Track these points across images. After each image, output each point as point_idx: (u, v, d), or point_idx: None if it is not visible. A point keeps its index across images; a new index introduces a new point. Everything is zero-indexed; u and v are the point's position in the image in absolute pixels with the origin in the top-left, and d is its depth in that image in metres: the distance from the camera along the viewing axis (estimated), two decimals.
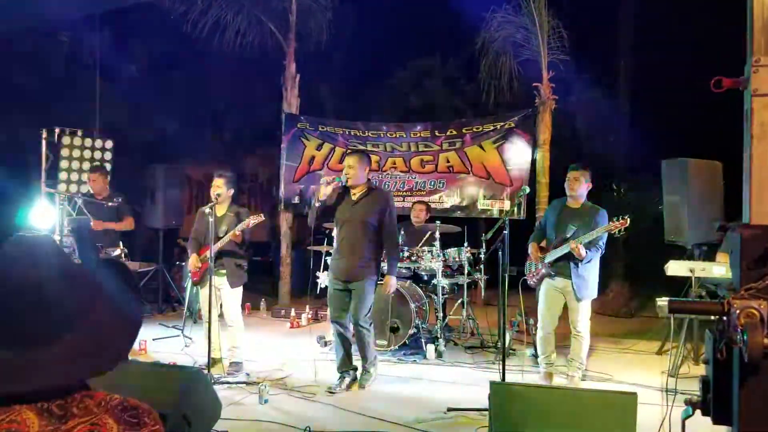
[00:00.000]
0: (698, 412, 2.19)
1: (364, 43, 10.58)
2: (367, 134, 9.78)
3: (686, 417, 2.21)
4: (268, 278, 10.86)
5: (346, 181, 5.51)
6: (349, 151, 9.12)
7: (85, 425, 1.17)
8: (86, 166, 8.28)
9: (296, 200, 9.67)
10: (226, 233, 5.94)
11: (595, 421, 3.67)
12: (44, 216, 7.82)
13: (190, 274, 6.42)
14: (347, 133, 9.83)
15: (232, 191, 6.18)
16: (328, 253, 7.59)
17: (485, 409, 4.26)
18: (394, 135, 9.69)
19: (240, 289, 6.18)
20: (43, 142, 8.41)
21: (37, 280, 1.18)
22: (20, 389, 1.14)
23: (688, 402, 2.19)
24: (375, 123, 9.92)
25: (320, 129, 9.88)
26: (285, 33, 9.83)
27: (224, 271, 6.04)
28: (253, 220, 5.92)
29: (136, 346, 6.63)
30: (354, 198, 5.57)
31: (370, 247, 5.52)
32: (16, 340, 1.16)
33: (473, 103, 11.09)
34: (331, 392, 5.49)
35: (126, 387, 4.16)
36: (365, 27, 10.23)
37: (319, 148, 9.84)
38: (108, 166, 8.66)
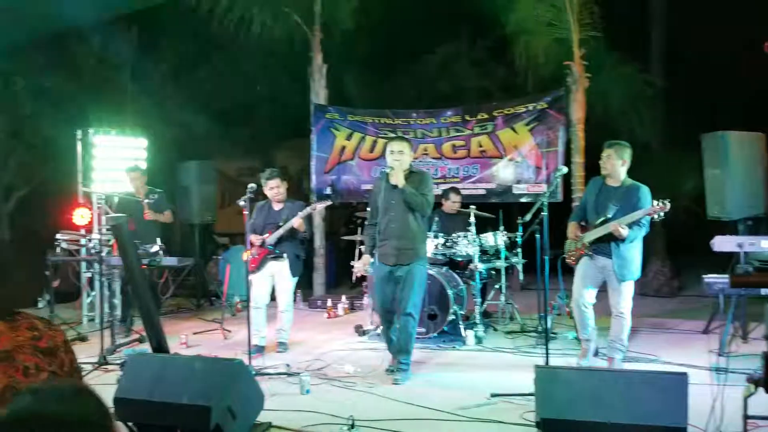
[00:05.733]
0: (761, 390, 2.09)
1: (390, 29, 10.46)
2: (396, 122, 9.69)
3: (749, 395, 2.12)
4: (303, 269, 10.88)
5: (392, 168, 5.46)
6: (388, 136, 9.10)
7: None
8: (121, 165, 8.36)
9: (328, 191, 9.66)
10: (285, 222, 6.28)
11: (645, 403, 3.58)
12: (82, 215, 7.97)
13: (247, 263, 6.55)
14: (377, 121, 9.76)
15: (285, 185, 6.59)
16: (362, 242, 7.60)
17: (530, 394, 4.18)
18: (424, 121, 9.59)
19: (296, 279, 6.54)
20: (78, 143, 8.51)
21: None
22: None
23: (750, 380, 2.10)
24: (404, 110, 9.82)
25: (349, 119, 9.83)
26: (310, 24, 9.78)
27: (282, 260, 6.37)
28: (318, 205, 6.30)
29: (178, 340, 6.72)
30: (403, 183, 5.46)
31: (417, 230, 5.52)
32: None
33: (504, 85, 10.91)
34: (390, 373, 5.52)
35: (170, 380, 4.20)
36: (390, 13, 10.11)
37: (349, 138, 9.80)
38: (144, 164, 8.76)
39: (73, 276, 8.76)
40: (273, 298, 6.63)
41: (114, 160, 8.55)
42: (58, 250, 7.65)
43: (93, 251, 7.16)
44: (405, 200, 5.43)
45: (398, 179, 5.41)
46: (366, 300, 7.91)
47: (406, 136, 7.44)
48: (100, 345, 6.15)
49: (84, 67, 10.90)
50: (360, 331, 7.26)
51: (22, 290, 2.08)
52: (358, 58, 11.25)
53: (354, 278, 7.98)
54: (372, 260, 5.74)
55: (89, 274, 8.19)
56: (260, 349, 6.22)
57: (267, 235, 6.37)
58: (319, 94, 9.87)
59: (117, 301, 7.48)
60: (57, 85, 10.83)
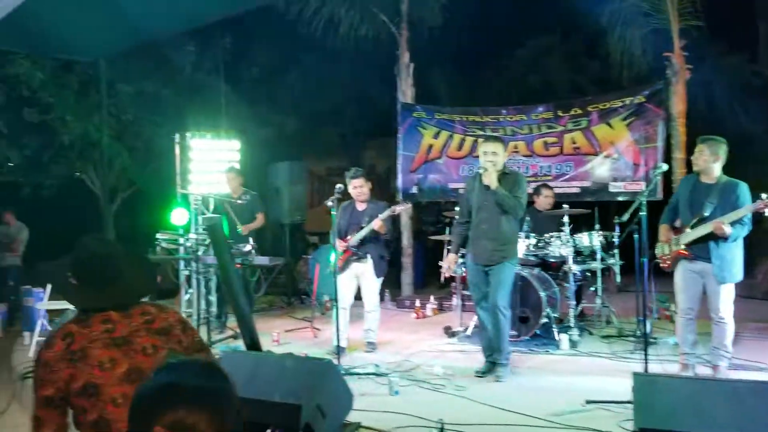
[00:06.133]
0: None
1: (478, 25, 10.33)
2: (485, 119, 9.53)
3: None
4: (391, 269, 10.89)
5: (485, 169, 5.40)
6: (476, 134, 8.95)
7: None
8: (216, 167, 8.63)
9: (414, 190, 9.62)
10: (368, 223, 6.29)
11: (755, 416, 3.31)
12: (180, 216, 8.27)
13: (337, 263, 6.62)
14: (465, 119, 9.63)
15: (369, 185, 6.55)
16: (450, 242, 7.51)
17: (628, 402, 3.98)
18: (514, 118, 9.37)
19: (381, 279, 6.52)
20: (176, 146, 8.83)
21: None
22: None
23: None
24: (493, 107, 9.64)
25: (437, 117, 9.75)
26: (397, 22, 9.78)
27: (367, 260, 6.39)
28: (399, 208, 6.24)
29: (270, 337, 6.86)
30: (496, 184, 5.40)
31: (509, 231, 5.46)
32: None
33: (598, 79, 10.54)
34: (479, 375, 5.49)
35: (263, 378, 4.26)
36: (478, 9, 9.96)
37: (436, 136, 9.71)
38: (237, 166, 9.01)
39: (173, 274, 9.13)
40: (359, 297, 6.64)
41: (209, 162, 8.83)
42: (158, 249, 7.96)
43: (190, 250, 7.42)
44: (497, 202, 5.37)
45: (491, 181, 5.35)
46: (455, 301, 7.80)
47: (500, 137, 7.28)
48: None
49: (181, 73, 11.35)
50: (449, 332, 7.17)
51: (140, 282, 2.33)
52: (446, 55, 11.17)
53: (442, 279, 7.89)
54: (459, 259, 5.71)
55: (187, 272, 8.49)
56: (341, 350, 6.20)
57: (350, 237, 6.38)
58: (405, 92, 9.84)
59: (213, 299, 7.71)
60: (156, 91, 11.35)
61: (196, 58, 11.51)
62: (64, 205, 12.26)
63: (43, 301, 7.11)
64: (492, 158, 5.38)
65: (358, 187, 6.45)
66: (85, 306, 2.22)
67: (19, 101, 10.79)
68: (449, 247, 7.46)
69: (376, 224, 6.24)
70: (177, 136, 8.90)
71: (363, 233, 6.32)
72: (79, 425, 2.11)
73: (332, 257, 6.55)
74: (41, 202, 12.00)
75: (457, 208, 7.34)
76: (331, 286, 7.77)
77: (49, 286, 6.87)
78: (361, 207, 6.51)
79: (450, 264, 5.97)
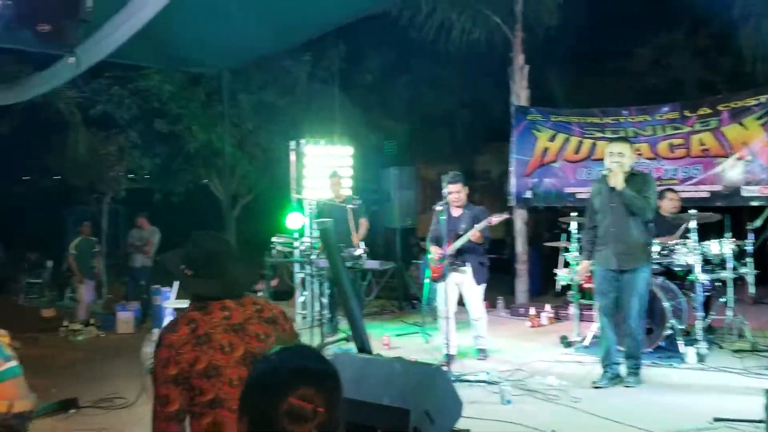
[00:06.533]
0: None
1: (597, 23, 9.91)
2: (605, 121, 9.11)
3: None
4: (504, 276, 10.67)
5: (609, 170, 5.27)
6: (595, 136, 8.61)
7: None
8: (329, 172, 8.79)
9: (528, 195, 9.35)
10: (465, 231, 6.04)
11: None
12: (295, 220, 8.50)
13: (429, 271, 6.55)
14: (582, 121, 9.26)
15: (467, 190, 6.34)
16: (567, 249, 7.22)
17: (760, 421, 3.63)
18: (636, 119, 8.90)
19: (483, 286, 6.33)
20: (292, 153, 9.09)
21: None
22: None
23: None
24: (613, 108, 9.20)
25: (552, 119, 9.44)
26: (511, 24, 9.57)
27: (465, 268, 6.19)
28: (495, 218, 6.01)
29: (380, 341, 6.88)
30: (622, 185, 5.24)
31: (638, 234, 5.26)
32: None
33: (730, 76, 9.82)
34: (595, 386, 5.31)
35: (372, 380, 4.24)
36: (597, 6, 9.56)
37: (552, 139, 9.41)
38: (349, 171, 9.15)
39: (288, 276, 9.39)
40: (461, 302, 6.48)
41: (323, 168, 9.01)
42: (274, 252, 8.21)
43: (304, 254, 7.60)
44: (625, 203, 5.19)
45: (616, 181, 5.20)
46: (572, 310, 7.50)
47: (626, 137, 6.96)
48: (310, 341, 6.47)
49: (297, 82, 11.71)
50: (565, 342, 6.89)
51: (245, 277, 2.50)
52: (562, 55, 10.82)
53: (559, 287, 7.60)
54: (591, 265, 5.55)
55: (301, 275, 8.70)
56: (450, 358, 6.06)
57: (447, 245, 6.20)
58: (519, 95, 9.61)
59: (326, 301, 7.84)
60: (274, 101, 11.78)
61: (311, 68, 11.83)
62: (191, 210, 12.98)
63: (169, 300, 7.51)
64: (618, 159, 5.23)
65: (455, 193, 6.25)
66: (202, 294, 2.37)
67: (151, 113, 11.54)
68: (566, 255, 7.22)
69: (474, 235, 6.08)
70: (292, 143, 9.17)
71: (460, 243, 6.15)
72: (192, 406, 2.23)
73: (429, 265, 6.48)
74: (171, 208, 12.75)
75: (573, 213, 7.10)
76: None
77: (176, 285, 7.23)
78: (456, 213, 6.31)
79: (583, 271, 5.81)
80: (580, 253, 6.29)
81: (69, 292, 11.79)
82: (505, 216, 6.34)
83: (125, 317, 9.09)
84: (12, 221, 15.46)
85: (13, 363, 1.96)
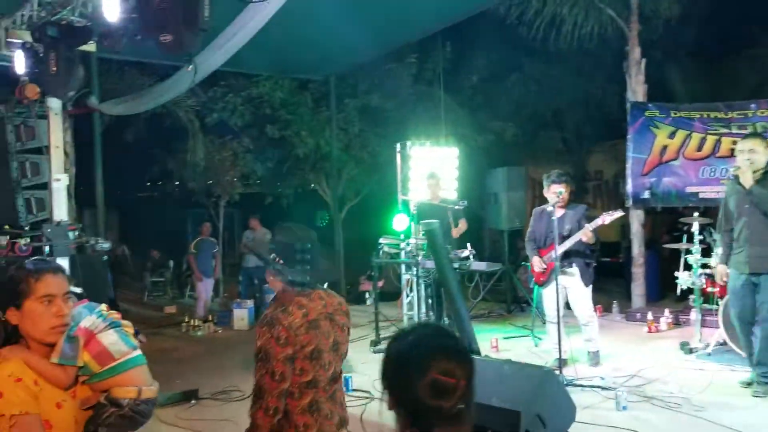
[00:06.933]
0: None
1: (719, 12, 9.29)
2: (730, 115, 8.51)
3: None
4: (619, 280, 10.22)
5: (738, 168, 5.05)
6: (719, 132, 8.12)
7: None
8: (437, 172, 8.75)
9: (646, 195, 8.89)
10: (570, 232, 5.82)
11: None
12: (401, 221, 8.52)
13: (533, 275, 6.37)
14: (705, 116, 8.70)
15: (570, 189, 6.10)
16: (688, 251, 6.80)
17: None
18: (766, 113, 8.27)
19: (590, 288, 6.05)
20: (398, 155, 9.13)
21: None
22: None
23: None
24: (740, 102, 8.58)
25: (672, 115, 8.93)
26: (626, 17, 9.15)
27: (572, 270, 5.91)
28: (609, 217, 5.76)
29: (488, 343, 6.76)
30: (752, 184, 4.98)
31: None
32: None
33: None
34: (744, 386, 5.15)
35: (480, 381, 4.17)
36: None
37: (671, 136, 8.90)
38: (455, 172, 9.07)
39: (394, 277, 9.42)
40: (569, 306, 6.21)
41: (429, 170, 8.97)
42: (381, 253, 8.26)
43: (410, 255, 7.59)
44: (756, 204, 4.95)
45: (745, 180, 4.98)
46: (693, 315, 7.05)
47: (759, 133, 6.52)
48: None
49: (402, 84, 11.76)
50: (686, 348, 6.50)
51: (328, 269, 2.76)
52: (682, 48, 10.22)
53: (679, 291, 7.17)
54: (727, 270, 5.33)
55: (408, 276, 8.70)
56: (561, 362, 5.81)
57: (550, 248, 5.92)
58: (636, 91, 9.16)
59: (432, 302, 7.79)
60: (380, 104, 11.89)
61: (417, 70, 11.85)
62: (301, 214, 13.33)
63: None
64: (749, 156, 4.97)
65: (559, 193, 5.93)
66: (299, 282, 2.48)
67: (263, 119, 11.96)
68: (687, 257, 6.80)
69: (586, 235, 5.79)
70: (398, 146, 9.21)
71: (568, 244, 5.88)
72: (291, 386, 2.35)
73: (532, 269, 6.27)
74: (281, 211, 13.17)
75: (695, 214, 6.71)
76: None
77: None
78: (558, 213, 5.90)
79: (720, 275, 5.52)
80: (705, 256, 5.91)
81: (189, 290, 12.44)
82: (618, 214, 6.03)
83: (240, 314, 9.46)
84: (137, 223, 16.55)
85: (138, 352, 2.07)
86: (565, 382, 5.01)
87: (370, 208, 12.00)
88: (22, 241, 5.87)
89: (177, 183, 15.36)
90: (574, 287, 6.02)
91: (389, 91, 11.69)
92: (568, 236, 5.88)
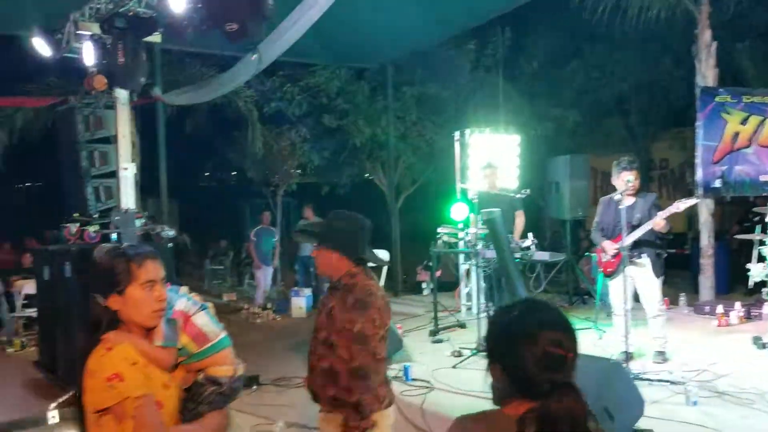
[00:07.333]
0: None
1: None
2: None
3: None
4: (685, 272, 9.89)
5: None
6: None
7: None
8: (494, 162, 8.62)
9: (717, 184, 8.54)
10: (640, 221, 5.61)
11: None
12: (460, 211, 8.42)
13: (599, 266, 6.19)
14: None
15: (639, 180, 5.89)
16: (761, 242, 6.52)
17: None
18: None
19: (661, 280, 5.81)
20: (456, 144, 9.02)
21: None
22: None
23: None
24: None
25: (744, 101, 8.54)
26: None
27: (642, 261, 5.69)
28: (683, 204, 5.52)
29: None
30: None
31: None
32: None
33: None
34: None
35: None
36: None
37: (744, 122, 8.51)
38: (516, 161, 8.91)
39: (453, 267, 9.33)
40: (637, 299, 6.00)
41: (486, 159, 8.84)
42: (439, 242, 8.19)
43: (470, 244, 7.50)
44: None
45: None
46: (766, 309, 6.76)
47: None
48: (477, 333, 6.38)
49: (460, 71, 11.61)
50: (759, 343, 6.24)
51: (373, 256, 2.70)
52: (755, 29, 9.75)
53: (751, 283, 6.88)
54: None
55: (466, 266, 8.62)
56: (627, 356, 5.61)
57: (619, 237, 5.69)
58: (706, 76, 8.80)
59: (491, 293, 7.68)
60: (437, 92, 11.78)
61: (475, 56, 11.67)
62: (357, 203, 13.31)
63: None
64: None
65: (630, 180, 5.70)
66: (366, 262, 2.61)
67: (319, 108, 12.01)
68: (761, 249, 6.52)
69: (658, 224, 5.56)
70: (457, 134, 9.09)
71: (639, 233, 5.65)
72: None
73: (599, 260, 6.09)
74: (337, 200, 13.21)
75: None
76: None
77: None
78: (628, 201, 5.70)
79: None
80: None
81: (248, 278, 12.65)
82: (693, 201, 5.78)
83: (298, 302, 9.56)
84: (197, 213, 16.92)
85: (226, 332, 2.18)
86: (633, 376, 4.85)
87: (427, 197, 11.92)
88: (91, 229, 6.06)
89: (235, 173, 15.59)
90: (643, 278, 5.78)
91: (447, 79, 11.55)
92: (638, 225, 5.65)
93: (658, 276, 5.77)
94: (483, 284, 7.63)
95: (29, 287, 8.53)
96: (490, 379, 1.56)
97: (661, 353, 5.87)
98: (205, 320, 2.10)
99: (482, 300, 7.69)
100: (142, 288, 1.86)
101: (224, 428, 2.06)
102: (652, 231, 5.63)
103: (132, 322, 1.88)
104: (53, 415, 5.40)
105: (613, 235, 5.86)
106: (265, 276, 10.47)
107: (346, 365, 2.47)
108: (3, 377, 7.05)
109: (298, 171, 12.90)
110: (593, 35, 10.59)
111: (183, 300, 2.07)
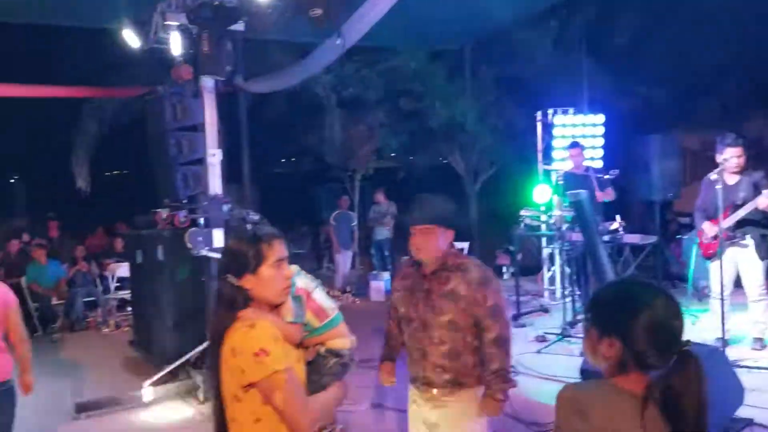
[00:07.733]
0: None
1: None
2: None
3: None
4: None
5: None
6: None
7: None
8: (578, 142, 8.37)
9: None
10: (744, 200, 5.32)
11: None
12: (542, 192, 8.24)
13: (700, 248, 5.91)
14: None
15: (745, 157, 5.59)
16: None
17: None
18: None
19: (766, 262, 5.50)
20: (538, 124, 8.81)
21: None
22: None
23: None
24: None
25: None
26: None
27: (746, 242, 5.42)
28: None
29: None
30: None
31: None
32: None
33: None
34: None
35: None
36: None
37: None
38: (600, 141, 8.62)
39: (535, 251, 9.16)
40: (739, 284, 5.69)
41: (571, 139, 8.60)
42: (521, 225, 8.05)
43: (553, 227, 7.33)
44: None
45: None
46: None
47: None
48: (562, 317, 6.23)
49: (541, 50, 11.28)
50: None
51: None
52: None
53: None
54: None
55: (549, 250, 8.44)
56: (723, 342, 5.33)
57: (722, 217, 5.42)
58: None
59: (576, 277, 7.49)
60: (516, 72, 11.49)
61: (556, 34, 11.31)
62: (433, 187, 13.22)
63: None
64: None
65: (736, 157, 5.47)
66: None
67: (396, 92, 11.94)
68: None
69: (763, 203, 5.27)
70: (539, 114, 8.87)
71: (742, 213, 5.39)
72: None
73: (700, 241, 5.81)
74: (415, 185, 13.18)
75: None
76: (707, 271, 6.94)
77: None
78: (732, 180, 5.50)
79: None
80: None
81: (326, 262, 12.82)
82: None
83: (377, 286, 9.62)
84: (275, 198, 17.23)
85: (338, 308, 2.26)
86: (732, 363, 4.63)
87: (506, 179, 11.70)
88: (180, 214, 6.27)
89: (313, 158, 15.79)
90: (746, 260, 5.51)
91: (527, 58, 11.26)
92: (743, 205, 5.37)
93: (762, 258, 5.47)
94: (567, 268, 7.45)
95: (122, 270, 8.94)
96: (591, 355, 1.56)
97: (760, 339, 5.59)
98: (323, 296, 2.22)
99: (567, 284, 7.51)
100: (273, 267, 1.94)
101: (346, 396, 2.16)
102: (757, 210, 5.34)
103: (263, 300, 1.96)
104: (147, 393, 5.66)
105: (716, 215, 5.58)
106: (344, 260, 10.58)
107: (475, 342, 2.64)
108: (101, 356, 7.44)
109: (376, 155, 12.93)
110: (686, 6, 10.05)
111: (301, 277, 2.17)
